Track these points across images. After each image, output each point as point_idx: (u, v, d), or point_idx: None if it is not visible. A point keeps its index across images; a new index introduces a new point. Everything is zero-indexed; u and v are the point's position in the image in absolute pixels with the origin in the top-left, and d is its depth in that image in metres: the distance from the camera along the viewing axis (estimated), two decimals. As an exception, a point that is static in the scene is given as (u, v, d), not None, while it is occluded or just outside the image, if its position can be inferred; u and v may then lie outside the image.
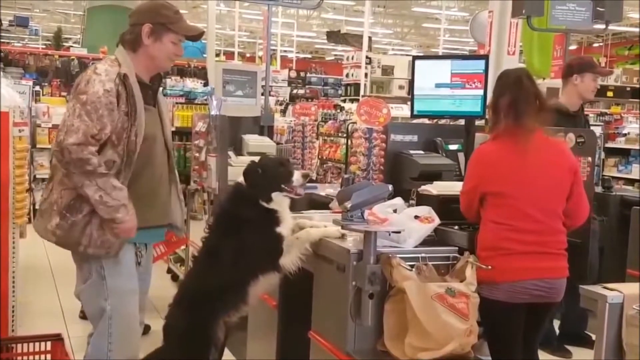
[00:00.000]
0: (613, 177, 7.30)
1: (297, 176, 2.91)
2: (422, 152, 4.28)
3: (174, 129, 5.80)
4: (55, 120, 8.29)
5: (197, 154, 5.28)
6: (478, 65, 4.14)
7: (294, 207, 3.18)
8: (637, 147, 8.98)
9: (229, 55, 20.97)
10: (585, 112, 5.08)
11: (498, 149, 2.89)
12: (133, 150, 2.79)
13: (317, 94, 16.45)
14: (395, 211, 2.89)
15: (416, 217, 2.83)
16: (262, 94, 5.94)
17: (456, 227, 2.99)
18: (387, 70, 14.46)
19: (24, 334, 3.66)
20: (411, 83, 4.55)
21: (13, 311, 3.81)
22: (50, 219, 2.81)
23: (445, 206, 3.01)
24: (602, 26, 5.90)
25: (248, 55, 29.22)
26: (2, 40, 13.66)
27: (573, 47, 21.29)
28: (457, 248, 2.86)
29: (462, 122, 4.42)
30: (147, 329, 3.79)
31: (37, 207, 3.09)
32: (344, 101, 12.46)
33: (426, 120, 5.23)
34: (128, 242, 2.87)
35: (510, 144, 2.86)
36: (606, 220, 4.68)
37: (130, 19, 2.95)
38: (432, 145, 4.39)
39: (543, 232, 2.81)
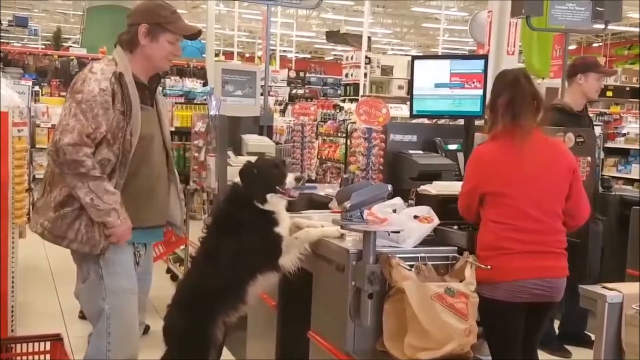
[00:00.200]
0: (612, 177, 7.29)
1: (290, 178, 2.92)
2: (421, 152, 4.28)
3: (173, 129, 5.79)
4: (55, 120, 8.18)
5: (196, 154, 5.27)
6: (477, 65, 4.14)
7: (294, 207, 3.18)
8: (637, 147, 8.98)
9: (229, 55, 20.93)
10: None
11: (496, 149, 2.89)
12: (128, 150, 2.79)
13: (317, 93, 16.47)
14: (394, 211, 2.88)
15: (415, 217, 2.83)
16: (262, 94, 5.92)
17: (455, 227, 2.99)
18: (387, 70, 14.44)
19: (23, 334, 3.64)
20: (410, 83, 4.55)
21: (12, 311, 3.81)
22: (45, 214, 2.81)
23: (444, 206, 3.02)
24: (602, 26, 5.88)
25: (247, 55, 29.21)
26: (1, 40, 13.66)
27: (572, 47, 21.28)
28: (456, 248, 2.85)
29: (461, 122, 4.43)
30: (146, 329, 3.79)
31: (36, 207, 3.09)
32: (344, 101, 12.47)
33: (425, 120, 5.23)
34: (127, 242, 2.86)
35: (508, 144, 2.85)
36: (606, 220, 4.67)
37: (128, 19, 2.94)
38: (431, 145, 4.39)
39: (543, 232, 2.81)
